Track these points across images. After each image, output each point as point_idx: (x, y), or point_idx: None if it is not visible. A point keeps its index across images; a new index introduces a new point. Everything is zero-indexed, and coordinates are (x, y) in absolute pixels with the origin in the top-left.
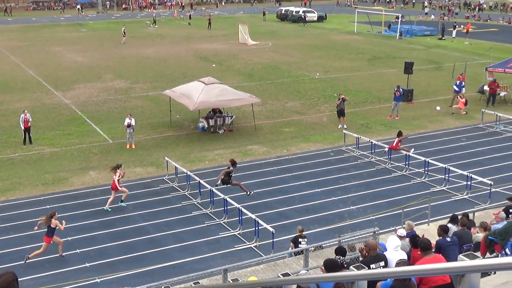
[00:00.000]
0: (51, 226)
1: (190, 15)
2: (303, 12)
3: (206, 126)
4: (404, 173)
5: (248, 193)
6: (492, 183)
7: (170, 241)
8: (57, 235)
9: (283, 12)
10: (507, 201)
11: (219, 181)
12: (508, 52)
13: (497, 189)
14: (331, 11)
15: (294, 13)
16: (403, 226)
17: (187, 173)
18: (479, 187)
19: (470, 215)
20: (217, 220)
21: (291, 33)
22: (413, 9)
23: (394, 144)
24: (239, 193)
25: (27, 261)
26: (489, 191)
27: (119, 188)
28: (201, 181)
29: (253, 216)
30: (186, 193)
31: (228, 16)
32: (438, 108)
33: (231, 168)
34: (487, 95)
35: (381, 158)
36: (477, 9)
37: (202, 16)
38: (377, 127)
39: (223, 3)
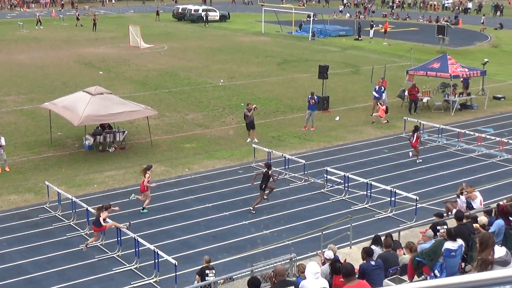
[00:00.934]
0: (100, 220)
1: (77, 15)
2: (204, 10)
3: (93, 144)
4: (323, 191)
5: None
6: (417, 198)
7: (54, 281)
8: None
9: (180, 11)
10: (434, 218)
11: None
12: (430, 53)
13: (423, 205)
14: (234, 10)
15: (193, 11)
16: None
17: (72, 200)
18: (404, 203)
19: (395, 235)
20: (110, 253)
21: (190, 34)
22: (327, 8)
23: (413, 141)
24: (135, 220)
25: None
26: (415, 207)
27: (146, 190)
28: (89, 208)
29: (151, 246)
30: (71, 223)
31: (117, 16)
32: (337, 118)
33: (269, 172)
34: (408, 102)
35: (296, 175)
36: (395, 7)
37: (85, 16)
38: (290, 140)
39: (112, 1)
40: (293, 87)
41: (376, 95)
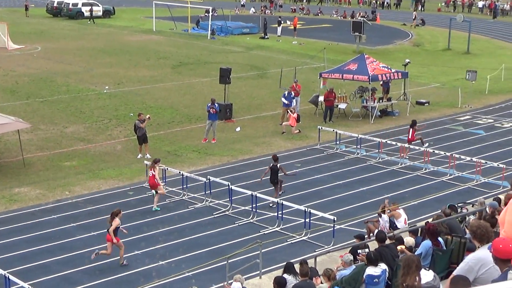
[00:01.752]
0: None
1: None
2: (85, 5)
3: None
4: (227, 213)
5: (281, 191)
6: (335, 218)
7: None
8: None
9: (55, 5)
10: (354, 240)
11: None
12: (346, 53)
13: (341, 226)
14: (119, 4)
15: (71, 6)
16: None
17: None
18: (320, 224)
19: (311, 261)
20: None
21: (69, 33)
22: (228, 1)
23: (410, 136)
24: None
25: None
26: (332, 229)
27: (159, 183)
28: None
29: (25, 285)
30: None
31: None
32: (238, 129)
33: (277, 164)
34: (323, 109)
35: (196, 195)
36: (305, 0)
37: None
38: (188, 154)
39: None
40: (190, 94)
41: (286, 101)
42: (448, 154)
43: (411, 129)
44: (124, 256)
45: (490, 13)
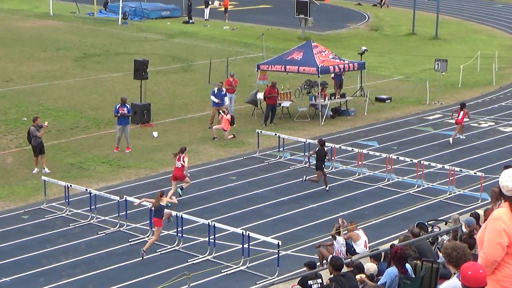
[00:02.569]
0: (162, 204)
1: None
2: None
3: None
4: (147, 239)
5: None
6: (280, 243)
7: None
8: None
9: None
10: (304, 268)
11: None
12: (289, 39)
13: (288, 252)
14: None
15: None
16: None
17: None
18: (262, 250)
19: None
20: None
21: None
22: None
23: (460, 118)
24: None
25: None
26: (277, 255)
27: (187, 175)
28: None
29: None
30: None
31: None
32: (155, 134)
33: (324, 149)
34: (265, 108)
35: (107, 218)
36: None
37: None
38: (97, 167)
39: None
40: (98, 93)
41: (216, 100)
42: (415, 161)
43: (461, 111)
44: None
45: None
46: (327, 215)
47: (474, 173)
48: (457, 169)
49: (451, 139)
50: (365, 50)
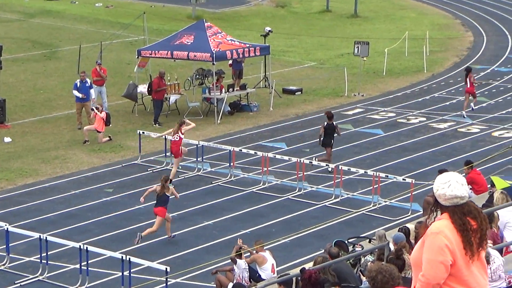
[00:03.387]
0: (166, 194)
1: None
2: None
3: None
4: (3, 267)
5: (330, 168)
6: (168, 269)
7: None
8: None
9: None
10: None
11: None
12: (176, 19)
13: (178, 280)
14: None
15: None
16: None
17: None
18: (147, 279)
19: None
20: None
21: None
22: None
23: (469, 85)
24: None
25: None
26: (165, 284)
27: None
28: None
29: None
30: None
31: None
32: (6, 140)
33: (333, 123)
34: (152, 104)
35: None
36: None
37: None
38: None
39: None
40: None
41: (80, 95)
42: (332, 166)
43: (467, 78)
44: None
45: None
46: (226, 234)
47: (403, 179)
48: (383, 175)
49: (464, 113)
50: (269, 31)
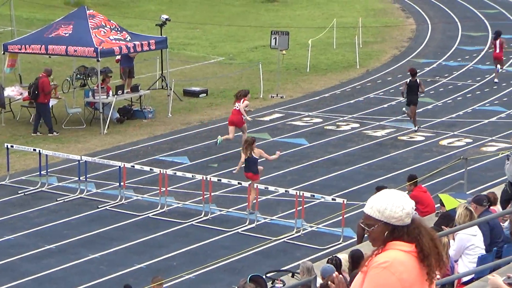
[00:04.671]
0: (255, 156)
1: None
2: None
3: None
4: None
5: (416, 127)
6: None
7: None
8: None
9: None
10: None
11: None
12: (51, 5)
13: None
14: None
15: None
16: None
17: None
18: None
19: None
20: None
21: None
22: None
23: (498, 50)
24: None
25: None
26: None
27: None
28: None
29: None
30: None
31: None
32: None
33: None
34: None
35: None
36: None
37: None
38: None
39: None
40: None
41: None
42: (245, 184)
43: (497, 42)
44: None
45: None
46: (117, 270)
47: (332, 199)
48: (308, 194)
49: (496, 79)
50: (166, 19)
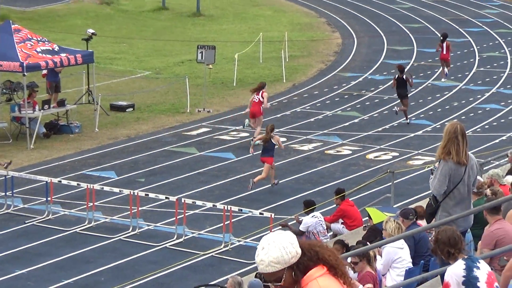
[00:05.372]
0: (273, 142)
1: None
2: None
3: None
4: None
5: (408, 121)
6: None
7: None
8: None
9: None
10: None
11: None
12: None
13: None
14: None
15: None
16: None
17: None
18: None
19: None
20: None
21: None
22: None
23: (445, 52)
24: None
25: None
26: None
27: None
28: None
29: None
30: None
31: None
32: None
33: (403, 76)
34: None
35: None
36: None
37: None
38: None
39: None
40: None
41: None
42: (173, 198)
43: (444, 44)
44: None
45: None
46: (44, 285)
47: (260, 213)
48: (235, 208)
49: (443, 79)
50: (93, 33)
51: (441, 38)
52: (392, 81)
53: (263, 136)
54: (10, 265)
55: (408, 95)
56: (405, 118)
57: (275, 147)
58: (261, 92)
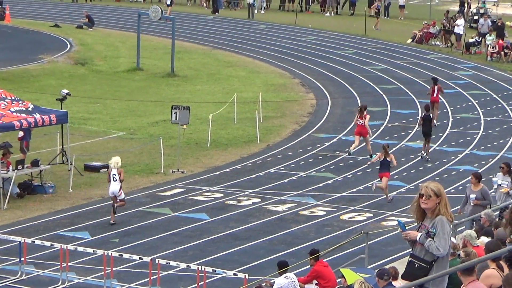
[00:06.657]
0: (387, 159)
1: None
2: None
3: None
4: None
5: (428, 157)
6: None
7: None
8: None
9: None
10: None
11: None
12: None
13: None
14: None
15: None
16: None
17: None
18: None
19: None
20: None
21: None
22: None
23: (435, 95)
24: None
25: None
26: None
27: (369, 133)
28: None
29: None
30: None
31: None
32: None
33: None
34: None
35: None
36: None
37: None
38: None
39: None
40: None
41: None
42: (147, 259)
43: (435, 87)
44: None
45: (208, 4)
46: None
47: (234, 274)
48: (209, 269)
49: (435, 122)
50: (67, 94)
51: (433, 81)
52: (418, 119)
53: (381, 154)
54: None
55: (431, 134)
56: (426, 154)
57: (390, 165)
58: (365, 115)
